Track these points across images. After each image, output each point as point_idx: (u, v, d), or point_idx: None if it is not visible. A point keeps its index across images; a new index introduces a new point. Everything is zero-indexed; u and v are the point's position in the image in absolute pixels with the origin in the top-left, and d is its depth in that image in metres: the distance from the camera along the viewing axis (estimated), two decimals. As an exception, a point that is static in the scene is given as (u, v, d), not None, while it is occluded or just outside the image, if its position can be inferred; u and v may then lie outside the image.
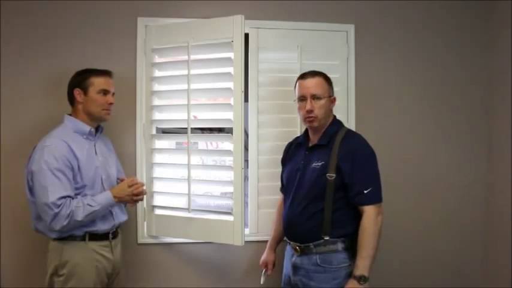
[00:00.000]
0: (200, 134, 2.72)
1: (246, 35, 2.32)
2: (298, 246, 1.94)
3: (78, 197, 1.88)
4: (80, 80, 1.98)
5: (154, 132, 2.41)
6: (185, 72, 2.25)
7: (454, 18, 2.58)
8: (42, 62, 2.31)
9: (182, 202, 2.30)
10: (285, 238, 2.08)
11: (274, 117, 2.44)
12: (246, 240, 2.19)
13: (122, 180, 2.05)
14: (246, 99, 2.30)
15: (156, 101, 2.39)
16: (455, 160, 2.59)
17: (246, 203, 2.35)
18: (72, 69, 2.03)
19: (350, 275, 1.83)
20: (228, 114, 2.20)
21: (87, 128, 1.99)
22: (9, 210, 2.26)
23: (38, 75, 2.30)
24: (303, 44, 2.42)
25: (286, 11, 2.45)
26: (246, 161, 2.37)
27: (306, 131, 2.08)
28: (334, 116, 2.06)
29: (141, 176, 2.35)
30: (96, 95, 1.97)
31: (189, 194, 2.25)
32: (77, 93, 1.98)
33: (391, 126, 2.54)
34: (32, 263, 2.23)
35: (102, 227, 1.95)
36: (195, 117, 2.39)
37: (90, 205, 1.86)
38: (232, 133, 2.17)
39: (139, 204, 2.23)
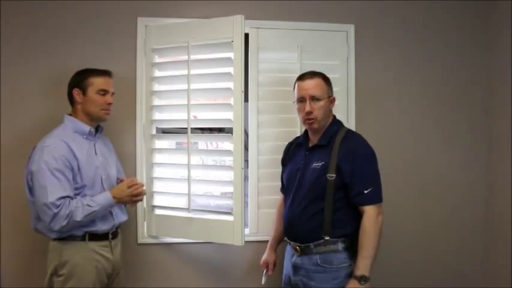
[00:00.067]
0: (200, 134, 2.72)
1: (246, 35, 2.32)
2: (298, 246, 1.94)
3: (78, 197, 1.87)
4: (79, 80, 1.98)
5: (154, 132, 2.41)
6: (185, 72, 2.25)
7: (454, 18, 2.58)
8: (42, 62, 2.31)
9: (182, 202, 2.30)
10: (285, 238, 2.08)
11: (274, 117, 2.44)
12: (246, 240, 2.19)
13: (121, 181, 2.05)
14: (246, 99, 2.30)
15: (156, 101, 2.39)
16: (455, 160, 2.59)
17: (246, 203, 2.35)
18: (72, 69, 2.03)
19: (350, 275, 1.83)
20: (228, 114, 2.20)
21: (87, 128, 1.99)
22: (9, 210, 2.26)
23: (38, 75, 2.30)
24: (303, 44, 2.42)
25: (286, 11, 2.45)
26: (246, 161, 2.37)
27: (306, 131, 2.08)
28: (334, 116, 2.06)
29: (141, 176, 2.35)
30: (94, 95, 1.97)
31: (189, 194, 2.25)
32: (76, 93, 1.98)
33: (391, 126, 2.54)
34: (32, 263, 2.23)
35: (102, 227, 1.95)
36: (195, 117, 2.39)
37: (90, 205, 1.86)
38: (232, 133, 2.17)
39: (139, 204, 2.23)
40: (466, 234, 2.60)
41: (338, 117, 2.08)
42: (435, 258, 2.57)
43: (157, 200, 2.37)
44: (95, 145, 2.03)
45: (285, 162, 2.17)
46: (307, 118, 1.95)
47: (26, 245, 2.24)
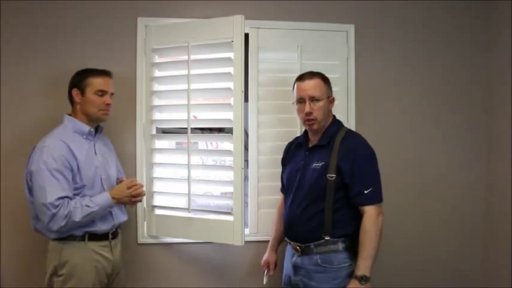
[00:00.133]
0: (200, 134, 2.73)
1: (246, 35, 2.32)
2: (298, 246, 1.94)
3: (77, 197, 1.87)
4: (78, 80, 1.98)
5: (154, 132, 2.41)
6: (185, 72, 2.25)
7: (454, 18, 2.58)
8: (42, 62, 2.31)
9: (182, 202, 2.30)
10: (285, 238, 2.08)
11: (274, 117, 2.44)
12: (246, 240, 2.19)
13: (121, 181, 2.05)
14: (246, 99, 2.30)
15: (156, 101, 2.39)
16: (455, 160, 2.59)
17: (246, 203, 2.35)
18: (72, 69, 2.03)
19: (350, 275, 1.83)
20: (228, 114, 2.20)
21: (86, 128, 1.99)
22: (9, 210, 2.26)
23: (38, 75, 2.30)
24: (303, 44, 2.42)
25: (286, 11, 2.45)
26: (246, 161, 2.37)
27: (306, 131, 2.08)
28: (334, 116, 2.05)
29: (141, 176, 2.35)
30: (92, 96, 1.96)
31: (189, 194, 2.25)
32: (75, 93, 1.98)
33: (391, 126, 2.54)
34: (31, 263, 2.23)
35: (101, 227, 1.95)
36: (195, 117, 2.39)
37: (88, 206, 1.86)
38: (232, 133, 2.17)
39: (139, 204, 2.23)
40: (466, 235, 2.60)
41: (338, 117, 2.08)
42: (435, 258, 2.57)
43: (157, 200, 2.37)
44: (94, 145, 2.02)
45: (285, 162, 2.17)
46: (307, 119, 1.95)
47: (26, 245, 2.24)
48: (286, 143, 2.22)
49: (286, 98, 2.24)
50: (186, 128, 2.26)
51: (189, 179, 2.25)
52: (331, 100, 2.01)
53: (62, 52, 2.31)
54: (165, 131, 2.54)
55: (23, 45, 2.30)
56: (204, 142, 2.79)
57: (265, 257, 2.21)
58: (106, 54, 2.33)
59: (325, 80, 2.01)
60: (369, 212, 1.84)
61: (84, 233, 1.90)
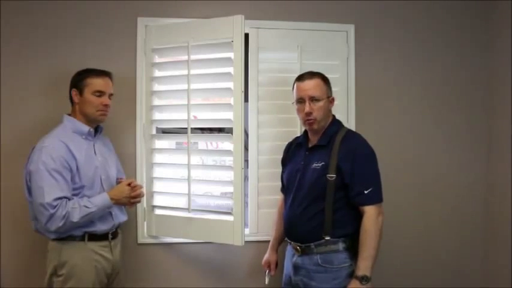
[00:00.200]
0: (200, 134, 2.73)
1: (246, 35, 2.32)
2: (299, 246, 1.94)
3: (75, 198, 1.87)
4: (77, 80, 1.98)
5: (154, 132, 2.41)
6: (185, 72, 2.25)
7: (454, 18, 2.58)
8: (42, 62, 2.31)
9: (182, 202, 2.30)
10: (285, 238, 2.08)
11: (274, 117, 2.44)
12: (246, 240, 2.19)
13: (119, 182, 2.04)
14: (246, 99, 2.30)
15: (156, 101, 2.39)
16: (455, 160, 2.59)
17: (246, 203, 2.35)
18: (72, 69, 2.03)
19: (351, 275, 1.84)
20: (228, 114, 2.20)
21: (86, 128, 1.99)
22: (9, 210, 2.26)
23: (38, 75, 2.30)
24: (303, 44, 2.42)
25: (286, 11, 2.45)
26: (246, 161, 2.37)
27: (306, 131, 2.08)
28: (334, 116, 2.05)
29: (141, 176, 2.35)
30: (90, 96, 1.96)
31: (189, 194, 2.25)
32: (74, 93, 1.98)
33: (391, 126, 2.54)
34: (31, 263, 2.23)
35: (101, 227, 1.94)
36: (195, 117, 2.39)
37: (87, 206, 1.85)
38: (232, 133, 2.17)
39: (139, 204, 2.22)
40: (466, 234, 2.60)
41: (338, 117, 2.08)
42: (435, 258, 2.57)
43: (157, 200, 2.37)
44: (94, 145, 2.02)
45: (285, 162, 2.17)
46: (307, 119, 1.95)
47: (26, 245, 2.24)
48: (286, 143, 2.22)
49: (286, 98, 2.24)
50: (186, 128, 2.26)
51: (189, 179, 2.25)
52: (331, 100, 2.01)
53: (62, 52, 2.31)
54: (165, 131, 2.54)
55: (23, 45, 2.29)
56: (204, 142, 2.79)
57: (265, 257, 2.21)
58: (106, 54, 2.33)
59: (325, 80, 2.01)
60: (369, 212, 1.84)
61: (84, 233, 1.90)
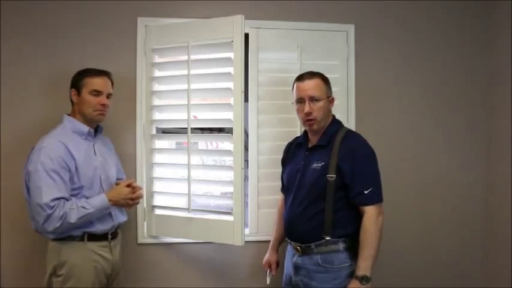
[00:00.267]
0: (200, 134, 2.72)
1: (246, 35, 2.32)
2: (299, 246, 1.94)
3: (73, 198, 1.87)
4: (76, 80, 1.98)
5: (154, 132, 2.41)
6: (185, 72, 2.25)
7: (454, 18, 2.58)
8: (42, 62, 2.31)
9: (182, 202, 2.30)
10: (286, 238, 2.08)
11: (274, 117, 2.44)
12: (246, 240, 2.19)
13: (117, 184, 2.04)
14: (246, 99, 2.29)
15: (156, 101, 2.39)
16: (455, 160, 2.59)
17: (246, 203, 2.35)
18: (72, 69, 2.03)
19: (351, 274, 1.83)
20: (228, 114, 2.20)
21: (85, 128, 1.98)
22: (9, 210, 2.26)
23: (38, 75, 2.30)
24: (303, 44, 2.42)
25: (286, 11, 2.45)
26: (246, 161, 2.37)
27: (306, 131, 2.08)
28: (334, 116, 2.05)
29: (141, 176, 2.35)
30: (87, 96, 1.96)
31: (189, 194, 2.25)
32: (73, 93, 1.98)
33: (391, 126, 2.54)
34: (31, 263, 2.23)
35: (100, 227, 1.94)
36: (195, 117, 2.39)
37: (84, 208, 1.85)
38: (232, 133, 2.17)
39: (139, 204, 2.22)
40: (466, 234, 2.60)
41: (338, 117, 2.08)
42: (435, 258, 2.57)
43: (157, 200, 2.37)
44: (94, 145, 2.02)
45: (285, 162, 2.17)
46: (307, 119, 1.95)
47: (26, 245, 2.24)
48: (286, 143, 2.22)
49: (286, 98, 2.24)
50: (186, 128, 2.26)
51: (189, 179, 2.25)
52: (330, 100, 2.01)
53: (62, 52, 2.31)
54: (165, 131, 2.54)
55: (23, 45, 2.29)
56: (204, 142, 2.79)
57: (266, 257, 2.21)
58: (106, 54, 2.33)
59: (325, 80, 2.01)
60: (369, 212, 1.84)
61: (83, 233, 1.90)
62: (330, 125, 2.00)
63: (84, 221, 1.87)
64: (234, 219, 2.16)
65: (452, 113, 2.59)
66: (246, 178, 2.33)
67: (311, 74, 2.00)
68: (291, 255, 2.01)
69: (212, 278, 2.42)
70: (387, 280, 2.39)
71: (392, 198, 2.19)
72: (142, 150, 2.37)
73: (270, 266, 2.19)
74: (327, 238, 1.87)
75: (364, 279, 1.78)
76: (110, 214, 1.98)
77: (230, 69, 2.17)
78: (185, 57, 2.25)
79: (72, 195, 1.88)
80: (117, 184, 2.04)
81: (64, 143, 1.89)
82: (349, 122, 2.45)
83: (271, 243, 2.22)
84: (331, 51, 2.47)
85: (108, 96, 2.01)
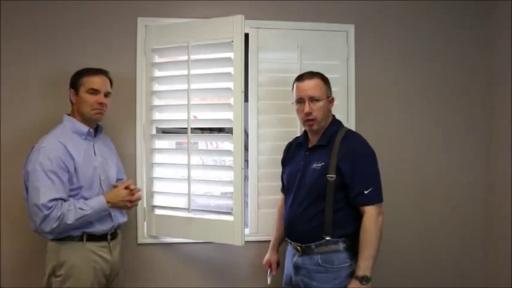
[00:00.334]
0: (200, 134, 2.72)
1: (246, 35, 2.32)
2: (299, 246, 1.94)
3: (71, 199, 1.86)
4: (74, 80, 1.98)
5: (154, 132, 2.41)
6: (185, 72, 2.25)
7: (454, 18, 2.58)
8: (42, 62, 2.31)
9: (182, 202, 2.30)
10: (286, 238, 2.08)
11: (274, 117, 2.44)
12: (246, 240, 2.19)
13: (115, 186, 2.03)
14: (246, 99, 2.29)
15: (156, 101, 2.39)
16: (455, 160, 2.59)
17: (246, 203, 2.35)
18: (72, 69, 2.03)
19: (351, 275, 1.84)
20: (228, 114, 2.20)
21: (85, 128, 1.98)
22: (9, 210, 2.26)
23: (38, 75, 2.30)
24: (303, 44, 2.42)
25: (286, 11, 2.45)
26: (246, 161, 2.37)
27: (306, 131, 2.08)
28: (333, 116, 2.05)
29: (141, 176, 2.35)
30: (85, 95, 1.95)
31: (189, 194, 2.25)
32: (72, 93, 1.98)
33: (391, 126, 2.54)
34: (31, 263, 2.23)
35: (100, 228, 1.94)
36: (195, 117, 2.39)
37: (82, 209, 1.85)
38: (232, 133, 2.17)
39: (139, 204, 2.22)
40: (466, 234, 2.60)
41: (338, 117, 2.08)
42: (435, 258, 2.57)
43: (157, 200, 2.37)
44: (94, 145, 2.02)
45: (285, 162, 2.17)
46: (307, 119, 1.95)
47: (26, 245, 2.24)
48: (286, 143, 2.22)
49: (286, 98, 2.24)
50: (186, 128, 2.26)
51: (189, 179, 2.25)
52: (330, 100, 2.01)
53: (62, 52, 2.31)
54: (165, 131, 2.54)
55: (23, 45, 2.29)
56: (204, 142, 2.79)
57: (266, 257, 2.21)
58: (106, 54, 2.33)
59: (325, 80, 2.01)
60: (369, 212, 1.84)
61: (83, 233, 1.90)
62: (330, 125, 2.00)
63: (82, 222, 1.86)
64: (234, 219, 2.16)
65: (452, 112, 2.59)
66: (246, 178, 2.33)
67: (311, 74, 2.00)
68: (291, 255, 2.01)
69: (212, 278, 2.42)
70: (387, 280, 2.40)
71: (392, 198, 2.19)
72: (142, 150, 2.37)
73: (270, 266, 2.18)
74: (327, 238, 1.87)
75: (364, 279, 1.78)
76: (109, 215, 1.98)
77: (230, 69, 2.17)
78: (185, 57, 2.25)
79: (71, 196, 1.88)
80: (114, 186, 2.03)
81: (63, 143, 1.89)
82: (349, 122, 2.45)
83: (271, 243, 2.22)
84: (331, 51, 2.47)
85: (106, 95, 2.00)
